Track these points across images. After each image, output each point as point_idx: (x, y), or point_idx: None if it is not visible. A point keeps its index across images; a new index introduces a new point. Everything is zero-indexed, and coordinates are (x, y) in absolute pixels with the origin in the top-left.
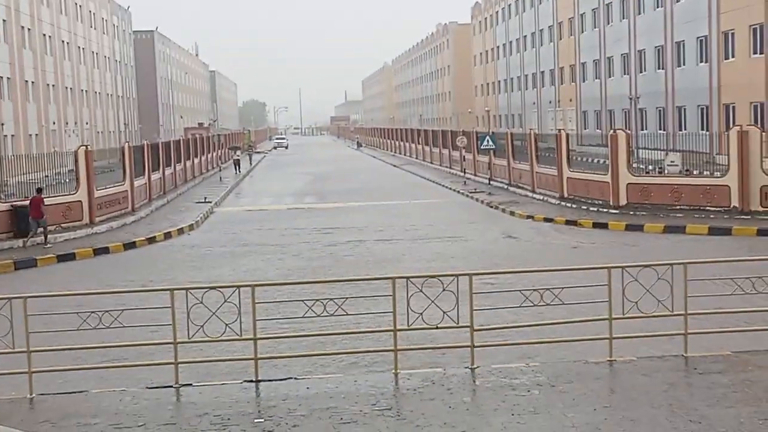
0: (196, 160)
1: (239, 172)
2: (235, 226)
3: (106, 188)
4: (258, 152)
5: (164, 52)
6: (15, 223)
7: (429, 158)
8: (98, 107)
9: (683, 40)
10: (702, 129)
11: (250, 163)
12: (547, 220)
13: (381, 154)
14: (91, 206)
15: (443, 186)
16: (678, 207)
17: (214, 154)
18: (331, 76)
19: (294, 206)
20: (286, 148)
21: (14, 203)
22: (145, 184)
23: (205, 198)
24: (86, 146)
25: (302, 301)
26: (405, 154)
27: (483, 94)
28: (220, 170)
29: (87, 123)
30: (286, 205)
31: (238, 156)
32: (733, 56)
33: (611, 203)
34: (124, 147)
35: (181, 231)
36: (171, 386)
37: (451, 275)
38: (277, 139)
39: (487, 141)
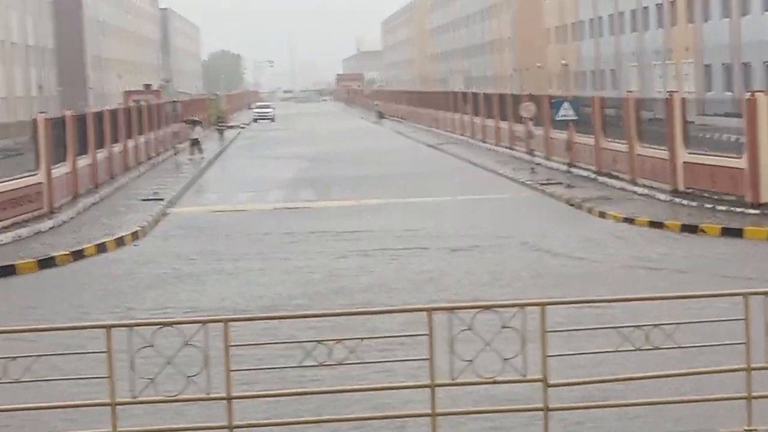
0: (142, 139)
1: (202, 156)
2: (198, 234)
3: (9, 180)
4: (232, 126)
5: None
6: None
7: (480, 134)
8: None
9: None
10: None
11: (221, 142)
12: (653, 224)
13: (409, 128)
14: None
15: (501, 175)
16: None
17: (169, 130)
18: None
19: (284, 205)
20: (272, 120)
21: None
22: (69, 173)
23: (156, 193)
24: None
25: (297, 342)
26: (445, 129)
27: (558, 41)
28: (177, 153)
29: None
30: (273, 204)
31: (196, 135)
32: None
33: (748, 200)
34: (37, 120)
35: (120, 242)
36: None
37: (514, 305)
38: (258, 107)
39: (565, 109)
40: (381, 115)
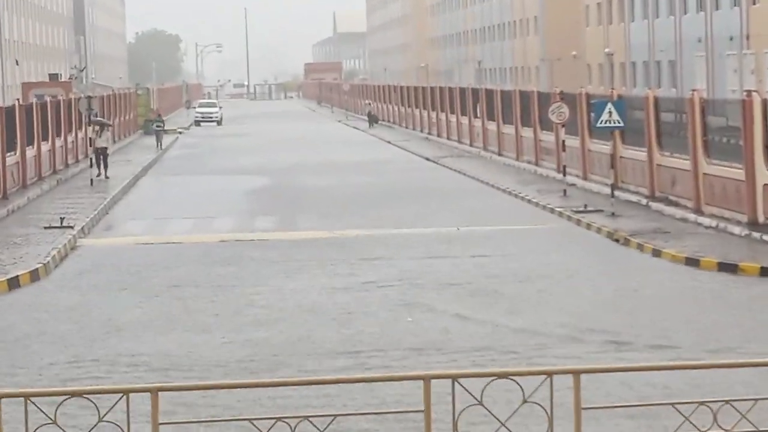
0: (46, 147)
1: (103, 175)
2: (119, 272)
3: None
4: (166, 130)
5: None
6: None
7: (496, 145)
8: None
9: None
10: None
11: (157, 150)
12: (724, 267)
13: (401, 135)
14: None
15: (523, 198)
16: None
17: (80, 135)
18: None
19: (234, 236)
20: (219, 123)
21: None
22: None
23: (62, 219)
24: None
25: (252, 420)
26: (449, 137)
27: (599, 23)
28: (92, 165)
29: None
30: (219, 234)
31: (103, 143)
32: None
33: None
34: None
35: (14, 283)
36: None
37: (539, 372)
38: (201, 106)
39: (609, 113)
40: (374, 120)
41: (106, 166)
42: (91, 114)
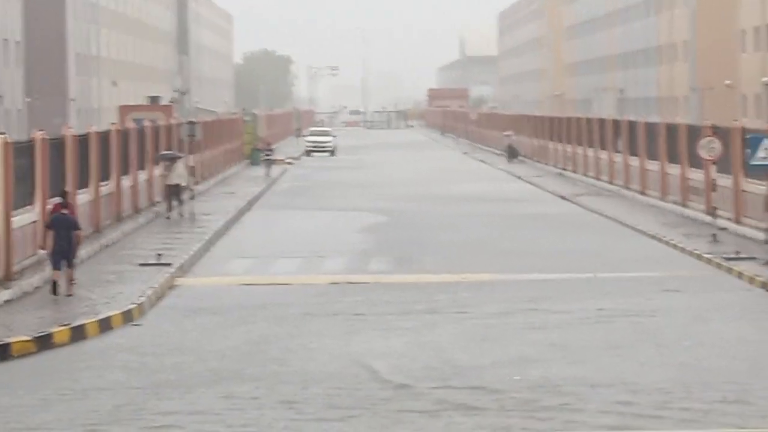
0: (143, 176)
1: (177, 213)
2: (220, 316)
3: None
4: (275, 160)
5: None
6: None
7: (638, 182)
8: None
9: None
10: None
11: (266, 180)
12: None
13: (533, 170)
14: None
15: (667, 243)
16: None
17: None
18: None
19: (346, 278)
20: (332, 153)
21: None
22: (36, 223)
23: (160, 255)
24: None
25: None
26: (586, 173)
27: (756, 49)
28: (193, 197)
29: None
30: (329, 276)
31: (178, 179)
32: None
33: None
34: None
35: (106, 324)
36: None
37: None
38: (313, 134)
39: (766, 149)
40: (513, 154)
41: (180, 203)
42: (195, 141)
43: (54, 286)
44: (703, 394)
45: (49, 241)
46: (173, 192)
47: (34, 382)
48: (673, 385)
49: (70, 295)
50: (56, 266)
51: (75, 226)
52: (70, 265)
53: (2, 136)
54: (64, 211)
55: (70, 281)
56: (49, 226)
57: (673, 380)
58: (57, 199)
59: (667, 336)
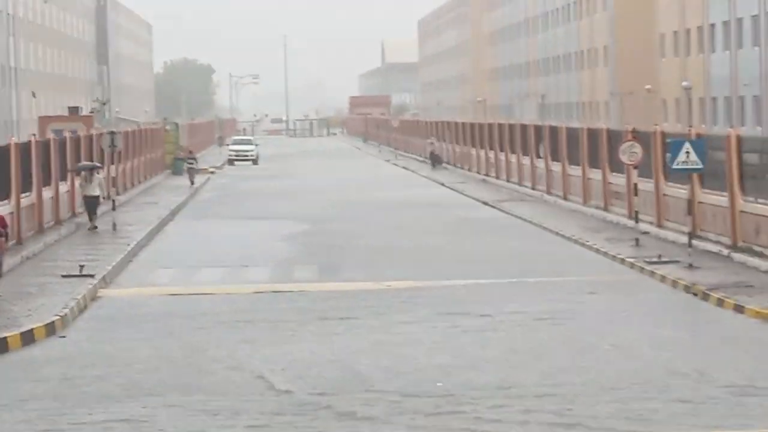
0: (64, 187)
1: (95, 226)
2: (142, 326)
3: None
4: (198, 169)
5: None
6: None
7: (560, 188)
8: None
9: None
10: None
11: (191, 183)
12: None
13: (456, 176)
14: None
15: (590, 247)
16: None
17: (102, 175)
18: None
19: (270, 287)
20: (255, 162)
21: None
22: None
23: (82, 267)
24: None
25: None
26: (509, 179)
27: (675, 54)
28: (114, 207)
29: None
30: (254, 285)
31: (94, 190)
32: None
33: None
34: None
35: (29, 337)
36: None
37: None
38: (235, 143)
39: (686, 153)
40: (437, 160)
41: (94, 215)
42: (116, 151)
43: None
44: (608, 397)
45: None
46: (91, 203)
47: None
48: (584, 389)
49: None
50: None
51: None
52: None
53: None
54: None
55: None
56: None
57: (585, 384)
58: None
59: (585, 339)
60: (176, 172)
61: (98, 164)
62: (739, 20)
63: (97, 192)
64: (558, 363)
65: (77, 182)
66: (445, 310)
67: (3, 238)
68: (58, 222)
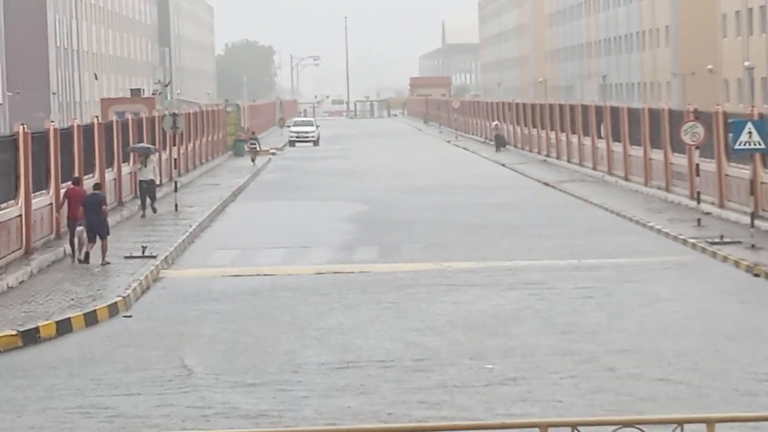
0: (126, 169)
1: (151, 209)
2: (203, 311)
3: None
4: (260, 150)
5: None
6: None
7: (621, 168)
8: None
9: None
10: None
11: (253, 164)
12: None
13: (516, 157)
14: None
15: (651, 228)
16: None
17: (164, 156)
18: None
19: (331, 267)
20: (315, 143)
21: None
22: (19, 217)
23: (145, 248)
24: None
25: None
26: (570, 160)
27: (737, 34)
28: (176, 189)
29: None
30: (315, 266)
31: (148, 174)
32: None
33: None
34: None
35: (92, 318)
36: None
37: (669, 421)
38: (296, 125)
39: (749, 134)
40: (501, 143)
41: (153, 199)
42: (178, 133)
43: (86, 257)
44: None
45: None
46: (146, 189)
47: (40, 361)
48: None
49: (106, 264)
50: (91, 239)
51: (103, 202)
52: (103, 238)
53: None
54: (96, 191)
55: (104, 253)
56: (83, 204)
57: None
58: (68, 184)
59: (646, 292)
60: (237, 153)
61: (152, 146)
62: None
63: (151, 176)
64: (615, 342)
65: (129, 167)
66: (507, 289)
67: (105, 206)
68: (121, 203)
